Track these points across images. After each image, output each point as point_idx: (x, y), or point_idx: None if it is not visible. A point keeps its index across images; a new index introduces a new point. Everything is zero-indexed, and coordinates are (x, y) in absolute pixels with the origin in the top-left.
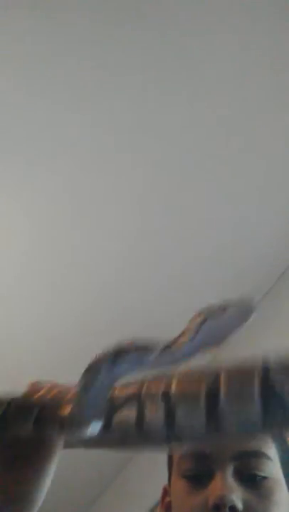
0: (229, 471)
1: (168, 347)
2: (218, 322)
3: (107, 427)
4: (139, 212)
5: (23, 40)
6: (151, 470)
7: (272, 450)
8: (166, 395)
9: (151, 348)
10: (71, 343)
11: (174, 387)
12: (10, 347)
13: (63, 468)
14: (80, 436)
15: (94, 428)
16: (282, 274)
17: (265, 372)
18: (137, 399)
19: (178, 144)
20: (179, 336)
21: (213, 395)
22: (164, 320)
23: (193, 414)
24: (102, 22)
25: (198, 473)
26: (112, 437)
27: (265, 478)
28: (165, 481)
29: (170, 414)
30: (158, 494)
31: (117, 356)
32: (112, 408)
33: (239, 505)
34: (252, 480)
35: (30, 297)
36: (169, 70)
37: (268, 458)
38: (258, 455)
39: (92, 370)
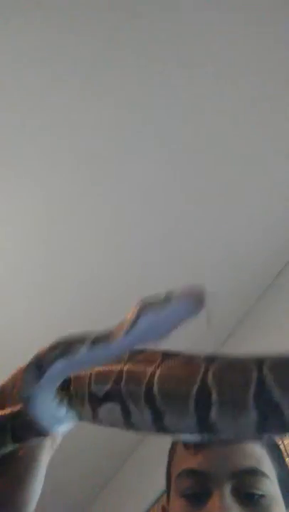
0: (227, 489)
1: (101, 339)
2: (160, 314)
3: (94, 417)
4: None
5: None
6: (148, 470)
7: (269, 468)
8: (149, 394)
9: (81, 341)
10: (71, 330)
11: (156, 383)
12: (10, 335)
13: (62, 467)
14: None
15: (63, 428)
16: (282, 270)
17: (261, 378)
18: (118, 395)
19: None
20: (115, 328)
21: (202, 398)
22: None
23: (183, 418)
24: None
25: (196, 492)
26: (104, 424)
27: (262, 496)
28: (162, 482)
29: (158, 418)
30: (155, 494)
31: (41, 359)
32: (95, 401)
33: None
34: (250, 498)
35: (29, 286)
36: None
37: (266, 476)
38: (256, 473)
39: (24, 380)
